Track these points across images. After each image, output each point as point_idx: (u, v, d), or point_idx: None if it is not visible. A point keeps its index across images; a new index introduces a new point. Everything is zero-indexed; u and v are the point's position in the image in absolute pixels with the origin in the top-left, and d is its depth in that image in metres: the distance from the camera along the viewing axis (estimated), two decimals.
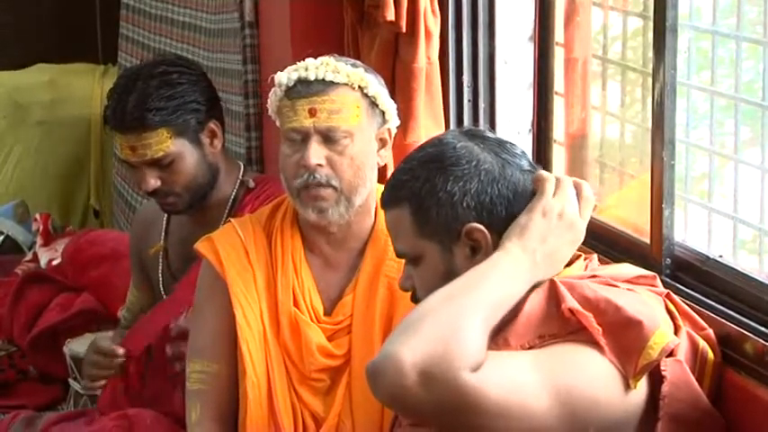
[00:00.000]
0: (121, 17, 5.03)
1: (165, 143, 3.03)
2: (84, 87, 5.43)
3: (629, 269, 2.26)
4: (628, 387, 2.05)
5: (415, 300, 2.24)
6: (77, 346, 3.45)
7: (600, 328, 2.05)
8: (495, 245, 2.15)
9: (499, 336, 2.07)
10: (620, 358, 2.05)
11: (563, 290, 2.09)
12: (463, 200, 2.16)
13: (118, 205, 5.08)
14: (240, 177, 3.18)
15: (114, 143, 3.20)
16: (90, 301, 3.95)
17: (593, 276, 2.18)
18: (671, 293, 2.23)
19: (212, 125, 3.11)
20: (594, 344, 2.05)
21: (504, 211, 2.16)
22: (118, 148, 3.11)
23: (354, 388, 2.63)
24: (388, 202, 2.25)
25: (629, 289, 2.17)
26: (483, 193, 2.16)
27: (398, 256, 2.27)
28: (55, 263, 4.29)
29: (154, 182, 3.06)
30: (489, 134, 2.26)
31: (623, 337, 2.05)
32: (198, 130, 3.08)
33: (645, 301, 2.14)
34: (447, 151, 2.19)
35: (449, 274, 2.15)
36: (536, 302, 2.09)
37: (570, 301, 2.07)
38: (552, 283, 2.11)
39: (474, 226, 2.16)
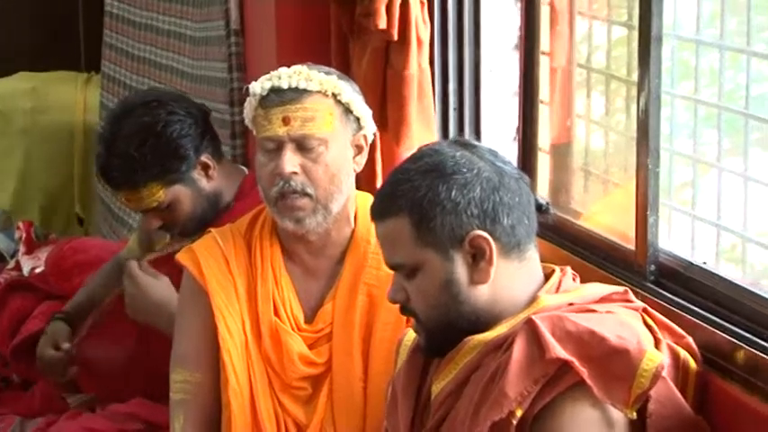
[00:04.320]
0: (105, 25, 5.03)
1: (156, 195, 3.07)
2: (67, 95, 5.43)
3: (599, 288, 2.26)
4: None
5: (406, 311, 2.23)
6: None
7: (585, 370, 2.05)
8: (498, 252, 2.15)
9: (494, 388, 2.08)
10: (611, 394, 2.05)
11: (545, 334, 2.08)
12: (467, 208, 2.14)
13: (101, 213, 5.07)
14: (239, 185, 3.18)
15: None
16: None
17: (570, 304, 2.18)
18: (647, 308, 2.24)
19: (204, 159, 3.09)
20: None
21: (505, 218, 2.16)
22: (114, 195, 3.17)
23: (336, 395, 2.64)
24: (384, 212, 2.20)
25: (607, 311, 2.17)
26: (486, 201, 2.15)
27: (393, 267, 2.22)
28: (38, 271, 4.28)
29: (156, 222, 3.13)
30: (478, 143, 2.26)
31: (612, 369, 2.06)
32: (190, 171, 3.08)
33: (624, 322, 2.15)
34: (447, 160, 2.17)
35: (448, 283, 2.16)
36: (521, 349, 2.08)
37: (554, 351, 2.06)
38: (531, 324, 2.10)
39: (478, 233, 2.15)
